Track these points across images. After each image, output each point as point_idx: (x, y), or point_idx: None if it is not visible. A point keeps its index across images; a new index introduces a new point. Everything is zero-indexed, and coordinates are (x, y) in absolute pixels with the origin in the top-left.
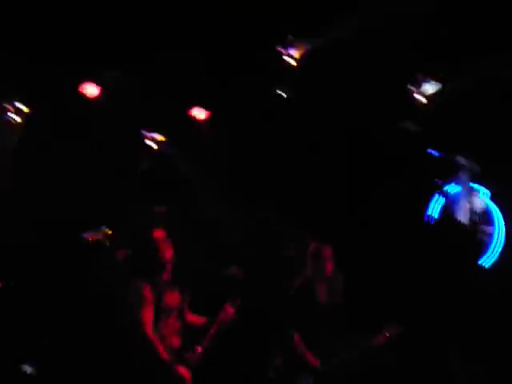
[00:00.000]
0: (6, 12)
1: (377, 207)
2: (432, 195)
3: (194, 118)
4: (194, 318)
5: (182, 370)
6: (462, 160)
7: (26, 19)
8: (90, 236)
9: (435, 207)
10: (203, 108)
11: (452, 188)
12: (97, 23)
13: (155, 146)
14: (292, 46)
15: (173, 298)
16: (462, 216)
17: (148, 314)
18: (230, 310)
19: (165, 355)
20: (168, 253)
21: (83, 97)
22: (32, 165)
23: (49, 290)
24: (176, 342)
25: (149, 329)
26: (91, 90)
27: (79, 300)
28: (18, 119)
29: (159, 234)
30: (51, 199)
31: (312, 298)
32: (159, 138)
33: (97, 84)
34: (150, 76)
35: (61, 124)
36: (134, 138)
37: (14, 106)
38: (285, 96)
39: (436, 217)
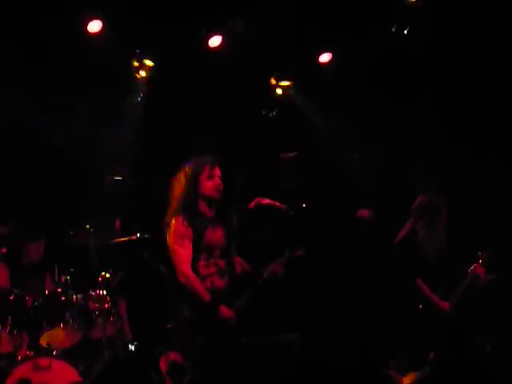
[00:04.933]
0: None
1: None
2: None
3: (320, 62)
4: (240, 261)
5: (225, 311)
6: None
7: None
8: None
9: None
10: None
11: None
12: None
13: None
14: None
15: (215, 235)
16: None
17: (183, 251)
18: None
19: (205, 295)
20: (210, 188)
21: (206, 48)
22: (159, 118)
23: None
24: (219, 282)
25: (185, 267)
26: (215, 40)
27: None
28: (144, 74)
29: (205, 168)
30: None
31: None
32: (285, 83)
33: (221, 34)
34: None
35: (187, 77)
36: (260, 86)
37: (140, 61)
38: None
39: None
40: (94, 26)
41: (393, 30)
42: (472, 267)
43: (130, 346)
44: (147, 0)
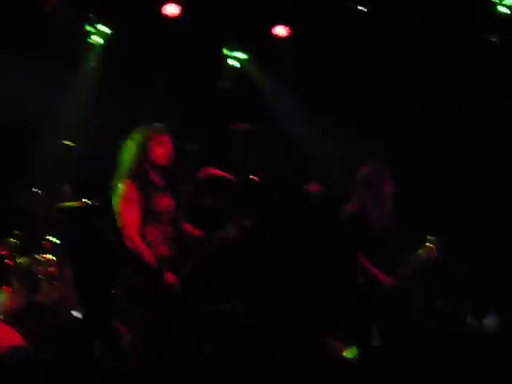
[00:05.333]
0: None
1: None
2: None
3: (276, 36)
4: (190, 229)
5: (170, 277)
6: None
7: None
8: None
9: None
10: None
11: None
12: None
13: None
14: None
15: (164, 202)
16: None
17: (130, 215)
18: (233, 228)
19: (151, 260)
20: (160, 155)
21: (164, 17)
22: (113, 86)
23: None
24: (165, 250)
25: (131, 231)
26: (172, 9)
27: None
28: (98, 40)
29: (156, 135)
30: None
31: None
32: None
33: (177, 3)
34: None
35: (142, 45)
36: (216, 56)
37: (94, 27)
38: None
39: None
40: None
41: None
42: (425, 248)
43: (74, 312)
44: None
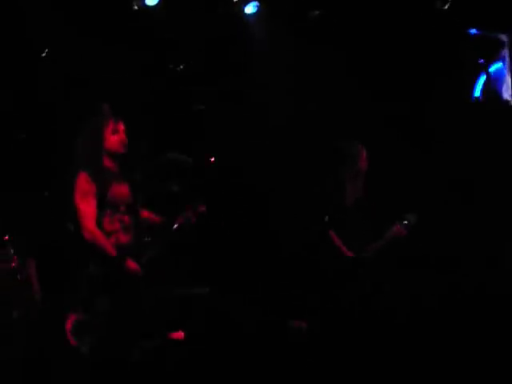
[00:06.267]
0: None
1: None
2: (476, 76)
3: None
4: (148, 215)
5: (131, 264)
6: (503, 37)
7: None
8: None
9: (479, 87)
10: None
11: (494, 65)
12: None
13: None
14: None
15: (120, 190)
16: (506, 92)
17: (87, 206)
18: (192, 212)
19: (111, 250)
20: (115, 143)
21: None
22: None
23: None
24: (124, 238)
25: (89, 222)
26: None
27: None
28: None
29: (107, 122)
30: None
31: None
32: None
33: None
34: None
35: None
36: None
37: None
38: None
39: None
40: None
41: None
42: (396, 227)
43: (38, 305)
44: None
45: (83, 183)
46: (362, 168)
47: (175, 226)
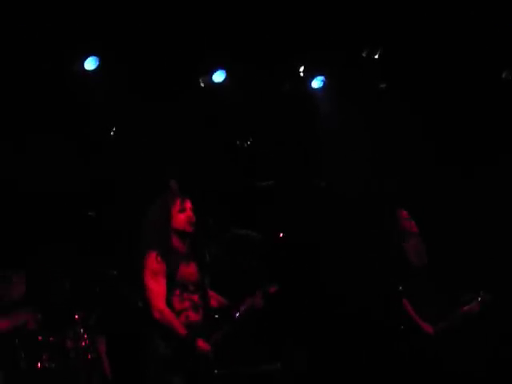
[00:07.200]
0: None
1: None
2: None
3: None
4: (215, 296)
5: (202, 344)
6: None
7: None
8: None
9: None
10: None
11: None
12: None
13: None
14: None
15: (189, 270)
16: None
17: (156, 286)
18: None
19: (181, 329)
20: (182, 221)
21: None
22: None
23: None
24: (194, 316)
25: (159, 302)
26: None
27: None
28: None
29: (174, 201)
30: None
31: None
32: None
33: None
34: None
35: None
36: None
37: None
38: None
39: None
40: None
41: None
42: (471, 304)
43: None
44: None
45: (153, 262)
46: (406, 228)
47: (238, 313)
